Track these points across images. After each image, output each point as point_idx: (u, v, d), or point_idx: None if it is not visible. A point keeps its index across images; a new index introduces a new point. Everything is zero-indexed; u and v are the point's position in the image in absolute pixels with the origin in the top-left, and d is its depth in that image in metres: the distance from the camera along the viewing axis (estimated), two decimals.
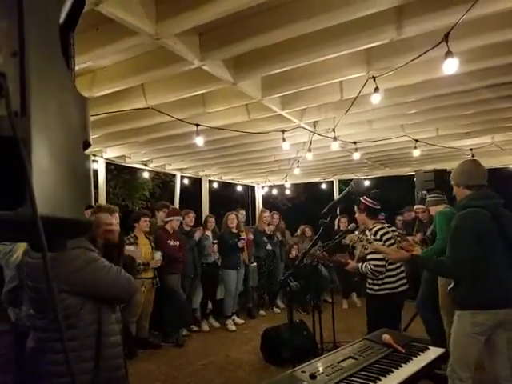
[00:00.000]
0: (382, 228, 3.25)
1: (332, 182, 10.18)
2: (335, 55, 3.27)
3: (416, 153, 6.20)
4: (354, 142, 6.05)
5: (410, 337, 2.06)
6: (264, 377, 4.01)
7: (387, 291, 3.14)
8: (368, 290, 3.33)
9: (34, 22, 0.68)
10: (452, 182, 2.69)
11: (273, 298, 7.16)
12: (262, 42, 3.04)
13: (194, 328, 5.88)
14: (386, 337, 1.83)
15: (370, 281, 3.24)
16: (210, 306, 6.19)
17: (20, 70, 0.66)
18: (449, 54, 2.76)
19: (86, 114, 0.88)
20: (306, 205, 15.11)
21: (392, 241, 3.18)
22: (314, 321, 4.10)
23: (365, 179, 9.83)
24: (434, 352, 1.82)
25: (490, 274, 2.39)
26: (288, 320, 2.11)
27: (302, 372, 1.52)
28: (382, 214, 9.29)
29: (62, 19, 0.84)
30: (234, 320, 6.11)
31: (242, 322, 6.23)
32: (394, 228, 3.42)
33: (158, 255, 5.06)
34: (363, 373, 1.54)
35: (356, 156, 6.30)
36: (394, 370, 1.57)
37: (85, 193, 0.84)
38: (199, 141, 4.70)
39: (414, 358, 1.71)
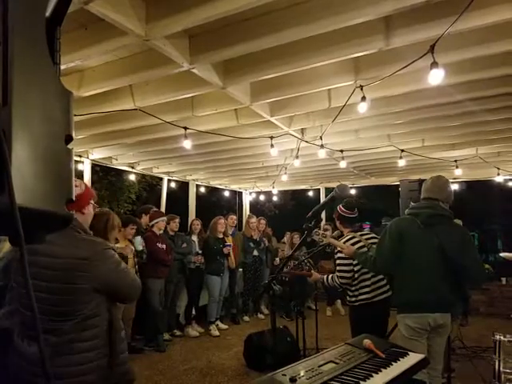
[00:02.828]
0: (352, 238, 3.29)
1: (319, 189, 10.26)
2: (324, 63, 3.31)
3: (401, 163, 6.29)
4: (341, 151, 6.11)
5: (391, 343, 2.07)
6: (245, 382, 3.98)
7: (363, 301, 3.15)
8: (347, 302, 3.36)
9: (19, 10, 0.68)
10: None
11: (257, 303, 7.14)
12: (252, 48, 3.06)
13: (177, 333, 5.82)
14: (367, 342, 1.84)
15: (349, 292, 3.26)
16: (193, 311, 6.14)
17: (2, 58, 0.65)
18: (434, 64, 2.82)
19: (69, 107, 0.87)
20: (293, 212, 15.16)
21: (364, 249, 3.21)
22: (297, 327, 4.10)
23: (350, 187, 9.96)
24: (413, 358, 1.82)
25: (415, 277, 2.55)
26: (271, 324, 2.10)
27: (283, 375, 1.51)
28: (367, 223, 9.40)
29: (48, 13, 0.83)
30: (217, 325, 6.06)
31: (226, 327, 6.20)
32: (373, 236, 3.43)
33: (138, 239, 4.99)
34: (343, 377, 1.54)
35: (342, 164, 6.36)
36: (373, 374, 1.57)
37: (66, 186, 0.83)
38: (187, 144, 4.69)
39: (393, 363, 1.72)
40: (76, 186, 1.95)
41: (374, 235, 3.49)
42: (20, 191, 0.66)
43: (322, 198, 10.22)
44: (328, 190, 10.68)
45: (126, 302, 2.11)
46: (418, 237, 2.60)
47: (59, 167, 0.79)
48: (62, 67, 3.26)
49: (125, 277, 1.93)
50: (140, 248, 5.00)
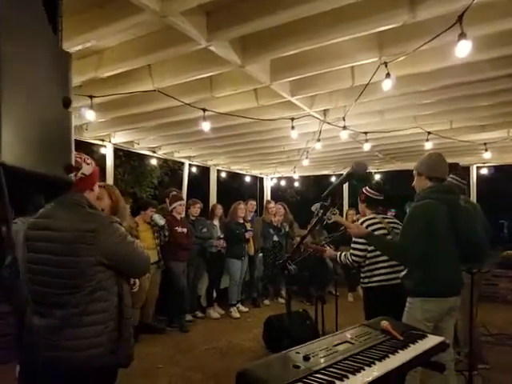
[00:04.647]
0: (372, 218, 3.18)
1: (342, 175, 10.02)
2: (346, 38, 3.17)
3: (428, 145, 6.06)
4: (365, 133, 5.94)
5: (410, 325, 2.00)
6: None
7: (378, 283, 3.05)
8: (361, 284, 3.27)
9: None
10: (414, 172, 2.76)
11: (276, 288, 7.14)
12: (271, 22, 2.95)
13: (199, 314, 5.91)
14: (385, 323, 1.78)
15: (362, 274, 3.18)
16: (214, 294, 6.20)
17: None
18: (462, 35, 2.65)
19: (66, 70, 0.84)
20: (316, 198, 14.95)
21: (384, 231, 3.10)
22: (316, 311, 4.07)
23: (375, 173, 9.72)
24: (432, 340, 1.76)
25: (440, 264, 2.50)
26: (286, 305, 2.07)
27: (297, 353, 1.48)
28: (392, 210, 9.13)
29: None
30: (238, 308, 6.12)
31: (247, 310, 6.25)
32: (395, 221, 3.31)
33: (157, 216, 5.04)
34: (358, 357, 1.49)
35: (366, 147, 6.18)
36: (390, 355, 1.52)
37: (64, 150, 0.80)
38: (206, 126, 4.65)
39: (411, 344, 1.66)
40: (88, 164, 1.94)
41: (395, 220, 3.38)
42: (7, 151, 0.63)
43: (346, 184, 9.99)
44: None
45: (134, 275, 2.10)
46: (441, 221, 2.54)
47: (56, 130, 0.76)
48: (79, 47, 3.26)
49: (132, 250, 1.92)
50: (161, 223, 5.02)
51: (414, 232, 2.51)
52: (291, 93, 4.36)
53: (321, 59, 3.66)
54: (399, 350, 1.57)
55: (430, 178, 2.63)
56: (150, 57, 3.49)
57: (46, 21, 0.74)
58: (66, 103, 0.79)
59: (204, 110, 4.56)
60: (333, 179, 10.65)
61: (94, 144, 6.69)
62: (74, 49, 3.25)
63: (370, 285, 3.12)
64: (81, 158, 1.91)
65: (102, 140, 6.50)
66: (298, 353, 1.48)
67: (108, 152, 6.60)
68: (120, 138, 6.54)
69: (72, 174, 0.82)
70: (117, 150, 7.35)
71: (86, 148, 8.03)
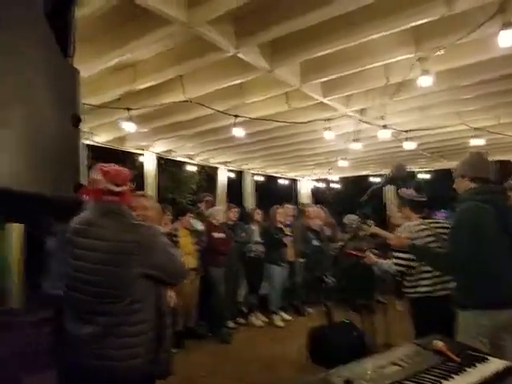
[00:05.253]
0: (415, 225, 2.98)
1: (381, 179, 9.67)
2: (379, 35, 3.05)
3: (476, 142, 5.70)
4: (406, 131, 5.69)
5: (467, 345, 1.78)
6: (308, 377, 3.88)
7: (423, 294, 2.85)
8: (406, 294, 3.08)
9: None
10: (455, 174, 2.57)
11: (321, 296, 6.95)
12: (300, 24, 2.90)
13: (242, 321, 5.87)
14: (438, 343, 1.60)
15: (406, 283, 2.98)
16: (254, 300, 6.15)
17: None
18: (505, 25, 2.46)
19: (74, 87, 0.83)
20: (356, 200, 14.55)
21: (431, 238, 2.87)
22: (362, 322, 3.89)
23: (419, 172, 9.29)
24: (494, 364, 1.54)
25: (491, 272, 2.27)
26: (327, 318, 1.97)
27: (338, 377, 1.36)
28: (443, 211, 8.63)
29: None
30: (281, 316, 6.02)
31: (290, 318, 6.11)
32: (443, 225, 3.08)
33: (195, 221, 5.10)
34: (407, 382, 1.35)
35: (408, 146, 5.92)
36: (443, 381, 1.37)
37: (71, 170, 0.78)
38: (237, 132, 4.66)
39: (468, 369, 1.47)
40: (126, 186, 1.88)
41: (444, 224, 3.13)
42: (6, 173, 0.62)
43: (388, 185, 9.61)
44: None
45: (171, 284, 2.14)
46: (488, 224, 2.32)
47: (62, 149, 0.75)
48: (115, 61, 3.37)
49: (173, 258, 1.93)
50: (200, 228, 5.07)
51: (458, 239, 2.33)
52: (323, 94, 4.26)
53: (354, 58, 3.55)
54: (454, 376, 1.41)
55: (472, 179, 2.44)
56: (181, 67, 3.54)
57: (51, 41, 0.73)
58: (75, 121, 0.77)
59: (236, 116, 4.57)
60: (373, 179, 10.30)
61: (135, 153, 6.94)
62: (110, 63, 3.38)
63: (415, 295, 2.92)
64: (127, 171, 1.92)
65: (143, 149, 6.71)
66: (339, 376, 1.36)
67: (148, 160, 6.80)
68: (159, 146, 6.72)
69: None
70: (158, 158, 7.56)
71: (128, 158, 8.35)
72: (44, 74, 0.71)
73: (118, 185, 1.81)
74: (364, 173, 10.04)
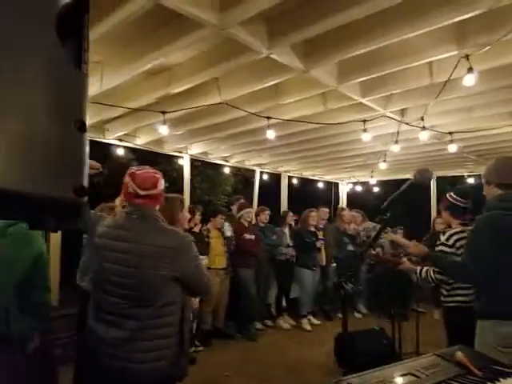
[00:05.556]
0: (458, 232, 2.79)
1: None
2: (421, 32, 2.89)
3: None
4: (450, 133, 5.40)
5: (492, 358, 1.67)
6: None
7: (458, 304, 2.68)
8: (442, 302, 2.91)
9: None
10: (483, 180, 2.43)
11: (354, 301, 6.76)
12: (336, 22, 2.78)
13: (269, 323, 5.84)
14: (459, 355, 1.50)
15: (444, 291, 2.81)
16: (284, 303, 6.08)
17: None
18: None
19: (80, 91, 0.81)
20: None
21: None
22: (393, 329, 3.76)
23: (468, 176, 8.80)
24: None
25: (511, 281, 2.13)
26: (342, 325, 1.89)
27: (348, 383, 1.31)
28: None
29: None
30: (309, 320, 5.91)
31: (319, 323, 6.00)
32: None
33: (227, 226, 5.19)
34: None
35: (452, 148, 5.61)
36: None
37: (74, 173, 0.77)
38: (270, 134, 4.61)
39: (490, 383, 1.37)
40: (155, 190, 1.88)
41: None
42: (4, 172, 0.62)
43: (433, 189, 9.08)
44: (440, 181, 9.44)
45: (197, 294, 2.14)
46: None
47: (64, 152, 0.74)
48: (149, 66, 3.42)
49: (201, 270, 1.97)
50: (228, 234, 5.14)
51: (477, 247, 2.22)
52: (362, 94, 4.11)
53: (394, 57, 3.39)
54: None
55: (499, 186, 2.28)
56: (216, 70, 3.53)
57: (56, 45, 0.71)
58: (80, 126, 0.75)
59: (268, 118, 4.51)
60: None
61: (173, 156, 7.09)
62: (143, 68, 3.44)
63: (451, 304, 2.78)
64: (159, 174, 1.92)
65: (180, 152, 6.82)
66: (350, 383, 1.31)
67: (185, 162, 6.93)
68: (195, 149, 6.80)
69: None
70: (193, 161, 7.66)
71: (167, 160, 8.54)
72: (46, 76, 0.69)
73: (145, 188, 1.81)
74: (405, 176, 9.64)
